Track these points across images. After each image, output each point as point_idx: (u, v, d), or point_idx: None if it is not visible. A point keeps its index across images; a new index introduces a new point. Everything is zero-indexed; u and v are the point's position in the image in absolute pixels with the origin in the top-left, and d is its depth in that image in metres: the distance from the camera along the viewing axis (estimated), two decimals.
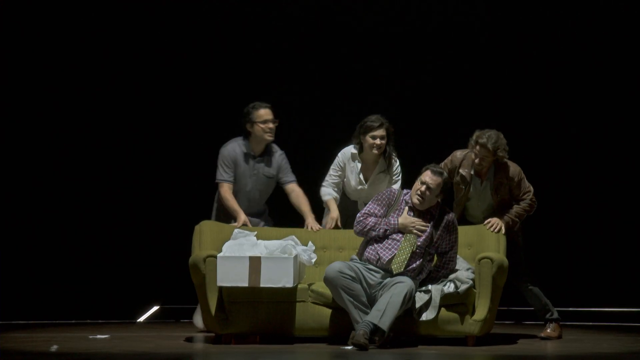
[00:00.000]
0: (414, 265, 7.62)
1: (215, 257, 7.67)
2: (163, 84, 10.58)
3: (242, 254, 7.63)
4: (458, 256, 7.90)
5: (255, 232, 7.97)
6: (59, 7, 10.47)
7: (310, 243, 7.96)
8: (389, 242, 7.65)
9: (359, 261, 7.70)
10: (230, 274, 7.56)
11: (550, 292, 10.05)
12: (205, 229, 8.04)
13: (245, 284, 7.57)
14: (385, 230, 7.65)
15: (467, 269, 7.77)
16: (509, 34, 10.57)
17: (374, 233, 7.67)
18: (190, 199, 10.05)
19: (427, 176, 7.64)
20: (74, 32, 10.49)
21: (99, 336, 8.08)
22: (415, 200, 7.66)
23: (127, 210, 10.47)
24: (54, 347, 7.20)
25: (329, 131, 10.06)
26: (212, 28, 10.59)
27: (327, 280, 7.55)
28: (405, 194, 7.79)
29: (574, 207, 10.46)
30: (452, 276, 7.70)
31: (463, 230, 8.17)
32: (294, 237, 7.98)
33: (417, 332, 7.65)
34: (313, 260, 7.90)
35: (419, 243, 7.62)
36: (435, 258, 7.78)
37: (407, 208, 7.72)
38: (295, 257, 7.67)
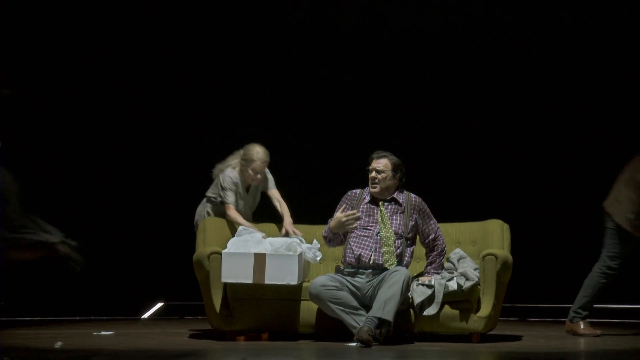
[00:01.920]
0: (396, 252, 7.66)
1: (220, 253, 7.67)
2: (169, 81, 10.59)
3: (247, 250, 7.63)
4: (466, 255, 7.89)
5: (263, 234, 7.96)
6: (59, 8, 10.48)
7: (315, 241, 7.95)
8: (363, 239, 7.66)
9: (340, 269, 7.72)
10: (235, 270, 7.57)
11: (555, 288, 10.07)
12: (209, 226, 8.04)
13: (250, 281, 7.58)
14: (331, 232, 7.73)
15: (475, 269, 7.75)
16: (506, 35, 10.59)
17: (329, 237, 7.76)
18: (195, 195, 10.05)
19: (373, 163, 7.74)
20: (75, 32, 10.51)
21: (103, 332, 8.09)
22: (372, 189, 7.74)
23: (132, 207, 10.47)
24: (59, 344, 7.21)
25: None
26: (212, 29, 10.61)
27: (313, 297, 7.56)
28: (367, 191, 7.82)
29: (582, 204, 10.45)
30: (460, 271, 7.68)
31: (467, 227, 8.17)
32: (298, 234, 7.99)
33: (421, 329, 7.65)
34: (318, 259, 7.89)
35: (393, 229, 7.64)
36: (420, 247, 7.84)
37: (343, 206, 7.76)
38: (300, 254, 7.67)
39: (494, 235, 8.01)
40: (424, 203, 7.80)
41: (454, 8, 10.63)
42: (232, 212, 8.14)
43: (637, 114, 10.44)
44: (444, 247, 7.84)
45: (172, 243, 10.08)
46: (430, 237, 7.78)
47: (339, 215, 7.70)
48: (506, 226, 8.06)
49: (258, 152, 8.20)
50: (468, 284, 7.58)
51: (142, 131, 10.56)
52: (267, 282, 7.58)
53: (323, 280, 7.55)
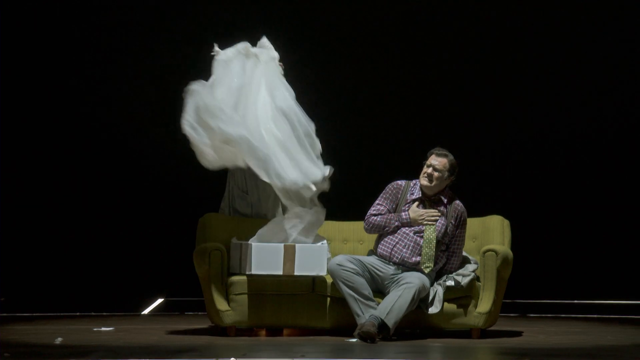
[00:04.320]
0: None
1: (219, 250, 7.67)
2: (171, 77, 10.59)
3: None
4: None
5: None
6: (59, 9, 10.49)
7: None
8: (400, 237, 7.63)
9: (375, 255, 7.70)
10: (264, 262, 7.53)
11: (555, 285, 10.07)
12: (210, 222, 8.03)
13: (280, 272, 7.55)
14: (397, 226, 7.65)
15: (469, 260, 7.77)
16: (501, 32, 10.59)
17: (386, 229, 7.67)
18: (195, 191, 10.06)
19: (432, 159, 7.67)
20: (75, 32, 10.52)
21: (103, 328, 8.09)
22: (424, 182, 7.66)
23: (132, 203, 10.48)
24: (59, 340, 7.20)
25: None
26: (217, 28, 10.61)
27: (329, 272, 7.57)
28: (412, 185, 7.78)
29: (580, 201, 10.46)
30: (452, 275, 7.67)
31: (467, 223, 8.15)
32: None
33: (422, 325, 7.64)
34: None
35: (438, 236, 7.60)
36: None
37: (416, 203, 7.70)
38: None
39: (495, 231, 8.00)
40: (465, 215, 7.75)
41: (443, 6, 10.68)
42: None
43: (636, 112, 10.47)
44: (456, 266, 7.74)
45: (172, 239, 10.08)
46: (450, 248, 7.71)
47: (421, 211, 7.64)
48: (506, 222, 8.05)
49: None
50: (466, 280, 7.59)
51: (142, 129, 10.55)
52: (297, 273, 7.57)
53: (342, 259, 7.54)
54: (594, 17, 10.48)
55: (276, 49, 7.95)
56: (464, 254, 7.85)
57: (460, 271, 7.67)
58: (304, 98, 10.49)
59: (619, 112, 10.50)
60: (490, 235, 8.00)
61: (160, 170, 10.55)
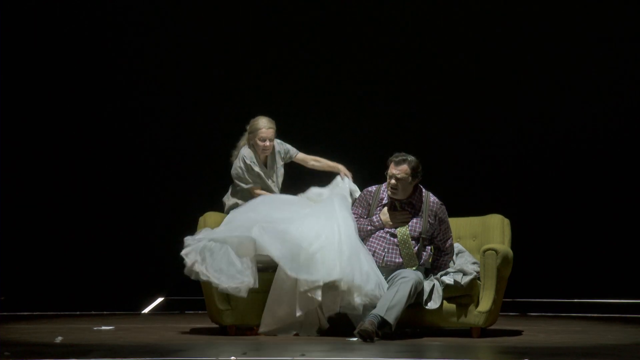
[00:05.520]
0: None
1: None
2: (172, 76, 10.59)
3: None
4: (464, 250, 7.89)
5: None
6: (60, 9, 10.49)
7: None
8: (378, 242, 7.64)
9: None
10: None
11: (556, 284, 10.06)
12: (210, 220, 8.02)
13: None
14: (371, 229, 7.65)
15: (473, 263, 7.75)
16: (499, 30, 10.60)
17: (361, 234, 7.68)
18: (195, 190, 10.06)
19: (392, 168, 7.63)
20: (76, 32, 10.52)
21: (103, 327, 8.09)
22: (391, 194, 7.67)
23: (132, 201, 10.48)
24: (59, 339, 7.20)
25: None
26: (214, 27, 10.62)
27: None
28: (383, 190, 7.78)
29: (580, 200, 10.46)
30: (457, 268, 7.68)
31: (468, 222, 8.16)
32: None
33: (422, 323, 7.64)
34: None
35: (410, 232, 7.60)
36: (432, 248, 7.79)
37: (385, 208, 7.70)
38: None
39: (495, 230, 8.00)
40: (443, 208, 7.73)
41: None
42: (258, 192, 8.11)
43: (636, 112, 10.47)
44: (453, 253, 7.80)
45: (172, 238, 10.06)
46: (441, 243, 7.73)
47: (391, 212, 7.65)
48: (507, 221, 8.05)
49: (261, 120, 8.17)
50: (466, 279, 7.58)
51: (143, 128, 10.56)
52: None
53: None
54: (592, 16, 10.48)
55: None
56: (468, 254, 7.84)
57: (463, 267, 7.65)
58: (305, 103, 10.53)
59: (619, 112, 10.50)
60: (490, 234, 8.00)
61: (160, 169, 10.55)
